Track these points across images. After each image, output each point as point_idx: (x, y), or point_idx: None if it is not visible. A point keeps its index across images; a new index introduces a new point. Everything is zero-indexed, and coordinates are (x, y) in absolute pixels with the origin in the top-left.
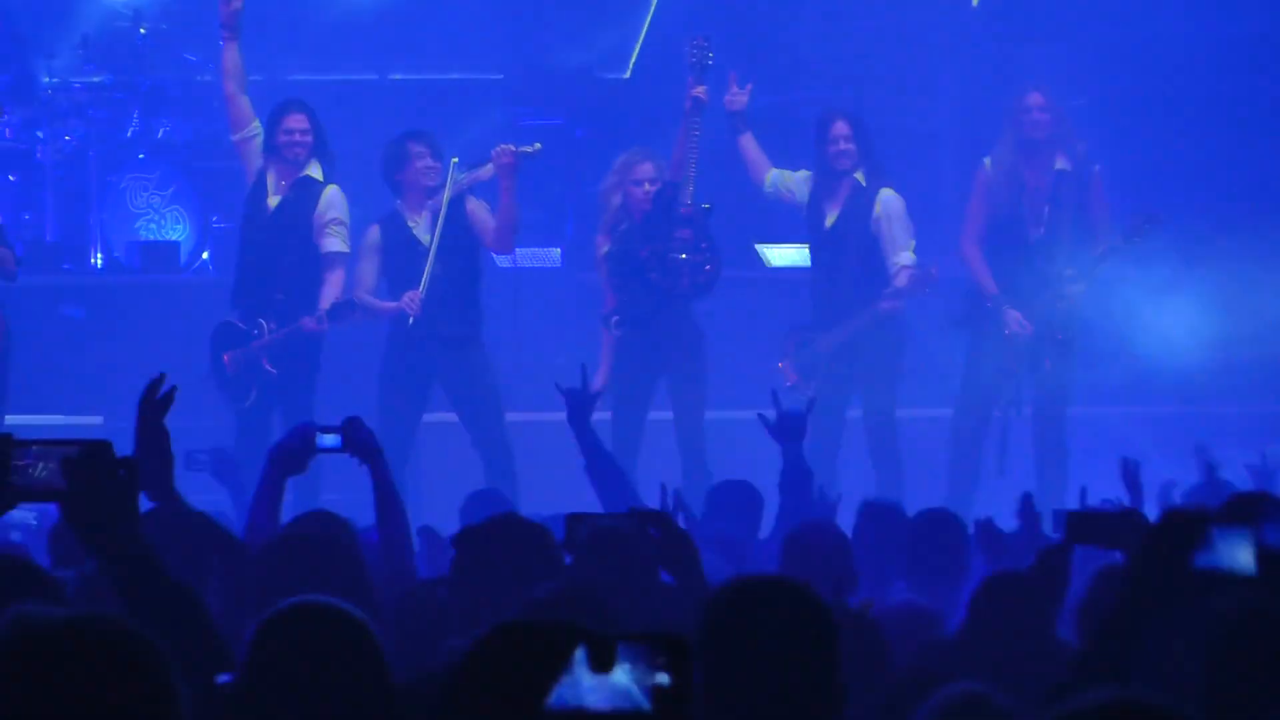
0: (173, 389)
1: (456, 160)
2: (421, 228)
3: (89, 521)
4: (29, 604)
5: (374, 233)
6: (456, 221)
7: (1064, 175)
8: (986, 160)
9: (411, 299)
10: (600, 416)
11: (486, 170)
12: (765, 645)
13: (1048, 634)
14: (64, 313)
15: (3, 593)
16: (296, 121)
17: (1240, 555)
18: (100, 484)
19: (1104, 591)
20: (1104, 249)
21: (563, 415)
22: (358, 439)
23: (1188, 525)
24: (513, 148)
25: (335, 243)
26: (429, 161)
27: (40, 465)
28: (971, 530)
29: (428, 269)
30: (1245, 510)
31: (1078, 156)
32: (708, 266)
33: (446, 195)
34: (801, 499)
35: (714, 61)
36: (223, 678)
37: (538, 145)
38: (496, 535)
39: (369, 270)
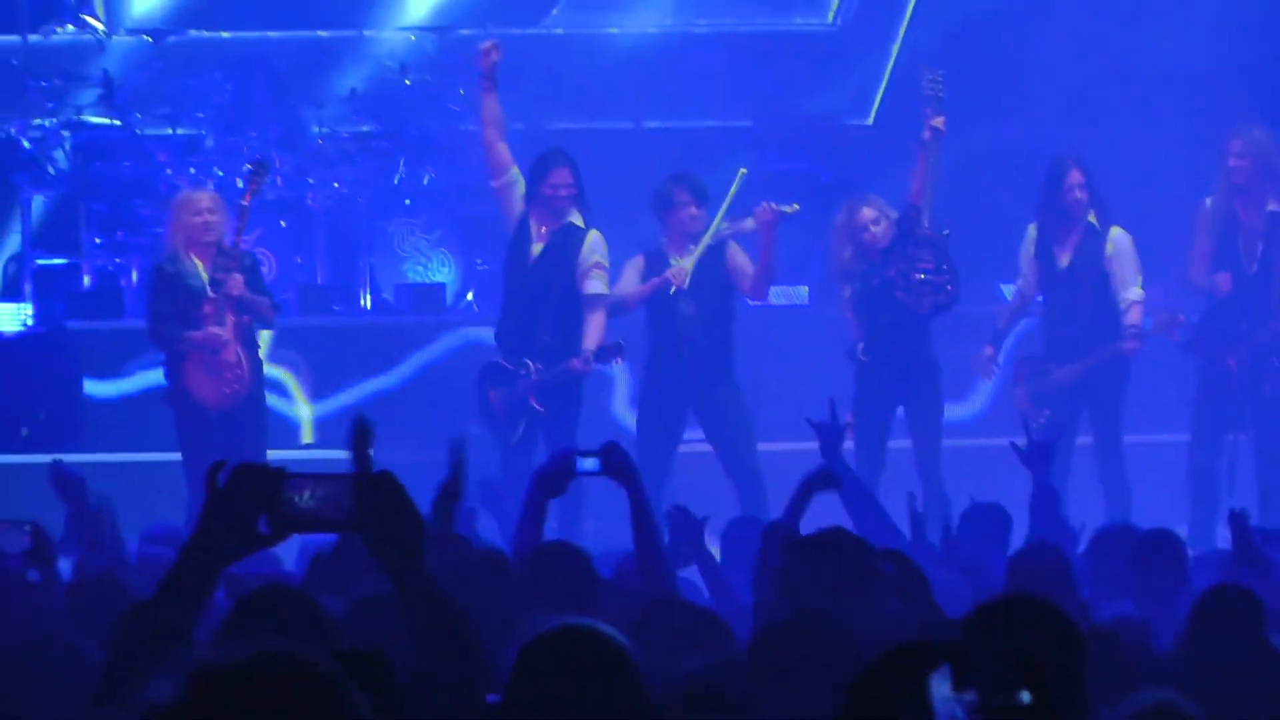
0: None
1: (744, 171)
2: (684, 267)
3: (386, 547)
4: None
5: (639, 260)
6: (715, 264)
7: (1276, 216)
8: (1207, 200)
9: (678, 272)
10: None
11: (749, 224)
12: (1016, 664)
13: (1267, 648)
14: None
15: (279, 621)
16: (561, 176)
17: None
18: (393, 511)
19: None
20: None
21: (811, 444)
22: (615, 462)
23: None
24: (774, 206)
25: (597, 285)
26: (693, 210)
27: (309, 495)
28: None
29: (671, 300)
30: None
31: None
32: (949, 287)
33: (706, 239)
34: (1050, 521)
35: (946, 95)
36: (492, 697)
37: (796, 206)
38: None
39: (629, 284)
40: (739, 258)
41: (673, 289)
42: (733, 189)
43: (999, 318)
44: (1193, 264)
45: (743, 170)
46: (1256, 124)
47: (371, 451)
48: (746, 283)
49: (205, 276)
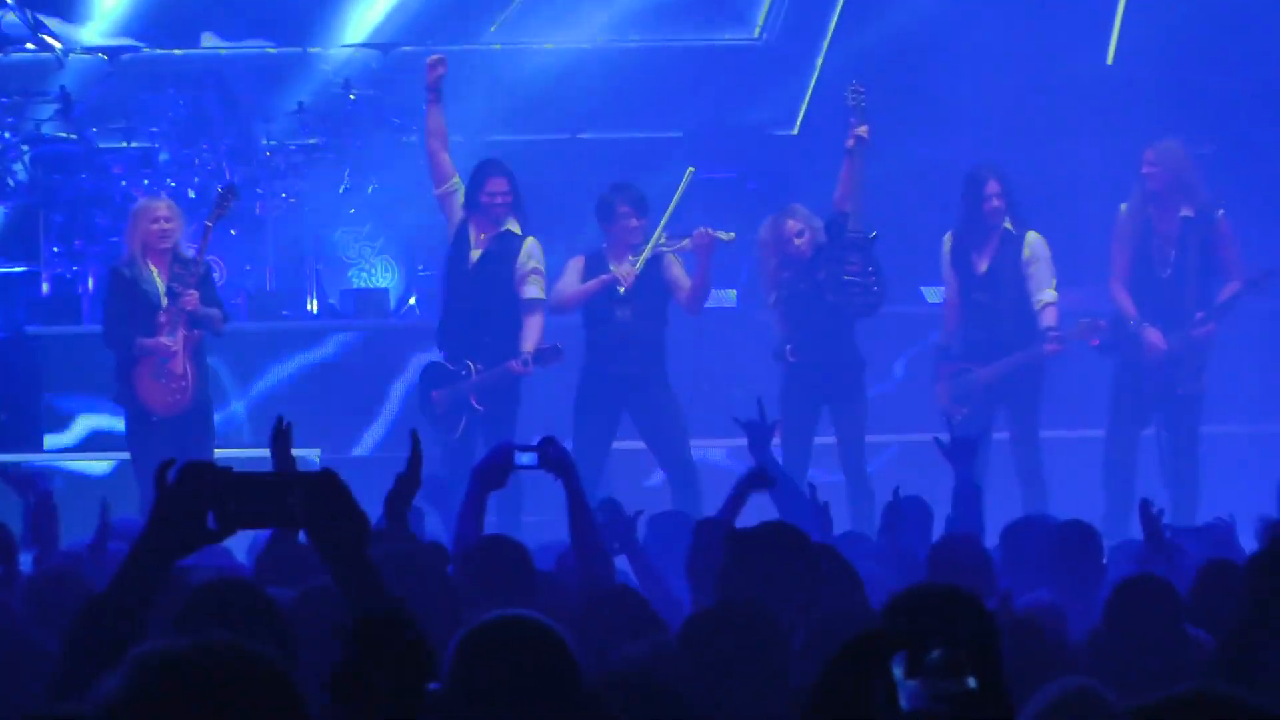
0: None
1: (693, 169)
2: (623, 275)
3: (329, 544)
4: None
5: (579, 261)
6: (652, 274)
7: (1188, 221)
8: (1122, 206)
9: (626, 271)
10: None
11: (686, 244)
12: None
13: (1182, 635)
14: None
15: (230, 613)
16: (497, 185)
17: None
18: (335, 509)
19: (1211, 589)
20: (1230, 295)
21: (740, 441)
22: (553, 456)
23: None
24: (711, 232)
25: (535, 290)
26: (634, 222)
27: (254, 493)
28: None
29: (608, 306)
30: None
31: (1201, 204)
32: (875, 288)
33: (647, 251)
34: (973, 514)
35: (868, 106)
36: (433, 686)
37: (733, 235)
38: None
39: (570, 283)
40: (675, 269)
41: (622, 289)
42: (680, 188)
43: (941, 338)
44: (1113, 270)
45: (691, 169)
46: (1169, 136)
47: (291, 450)
48: (682, 295)
49: (161, 285)
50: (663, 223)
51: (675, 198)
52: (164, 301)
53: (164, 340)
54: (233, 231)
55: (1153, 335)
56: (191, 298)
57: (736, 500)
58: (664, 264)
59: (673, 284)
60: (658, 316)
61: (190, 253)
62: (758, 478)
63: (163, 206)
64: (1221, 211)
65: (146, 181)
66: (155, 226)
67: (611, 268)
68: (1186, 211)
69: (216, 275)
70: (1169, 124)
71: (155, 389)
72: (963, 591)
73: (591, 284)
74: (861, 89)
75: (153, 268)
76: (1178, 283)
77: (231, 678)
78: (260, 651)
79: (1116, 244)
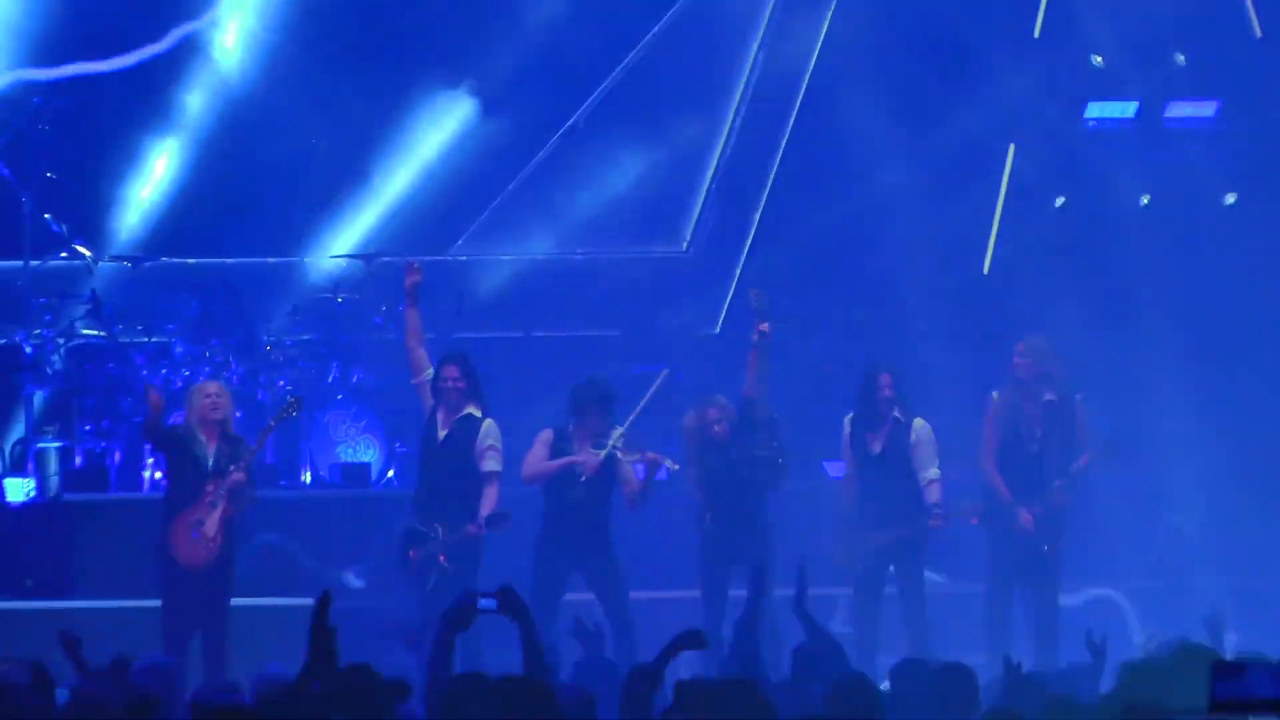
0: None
1: (621, 431)
2: (586, 464)
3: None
4: None
5: (548, 434)
6: (607, 469)
7: (1051, 405)
8: (994, 394)
9: (591, 461)
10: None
11: (636, 458)
12: None
13: None
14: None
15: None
16: (450, 371)
17: None
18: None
19: None
20: (1082, 464)
21: (670, 593)
22: (510, 602)
23: None
24: (662, 459)
25: (492, 464)
26: (596, 421)
27: None
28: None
29: (568, 484)
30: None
31: (1062, 390)
32: (780, 460)
33: (610, 447)
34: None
35: (769, 306)
36: None
37: (677, 467)
38: None
39: (540, 455)
40: (625, 468)
41: (582, 476)
42: (654, 387)
43: (841, 504)
44: (983, 451)
45: (665, 370)
46: (1035, 332)
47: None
48: (626, 491)
49: (210, 454)
50: (630, 420)
51: (645, 398)
52: (210, 465)
53: (201, 512)
54: (238, 414)
55: (1025, 516)
56: (239, 478)
57: (669, 653)
58: (617, 461)
59: (622, 481)
60: (605, 499)
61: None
62: (692, 637)
63: (212, 386)
64: (1079, 396)
65: (164, 371)
66: (207, 400)
67: (577, 451)
68: (1050, 396)
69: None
70: (1035, 322)
71: (186, 544)
72: None
73: (560, 463)
74: (762, 293)
75: (203, 438)
76: (1042, 456)
77: None
78: None
79: (989, 426)
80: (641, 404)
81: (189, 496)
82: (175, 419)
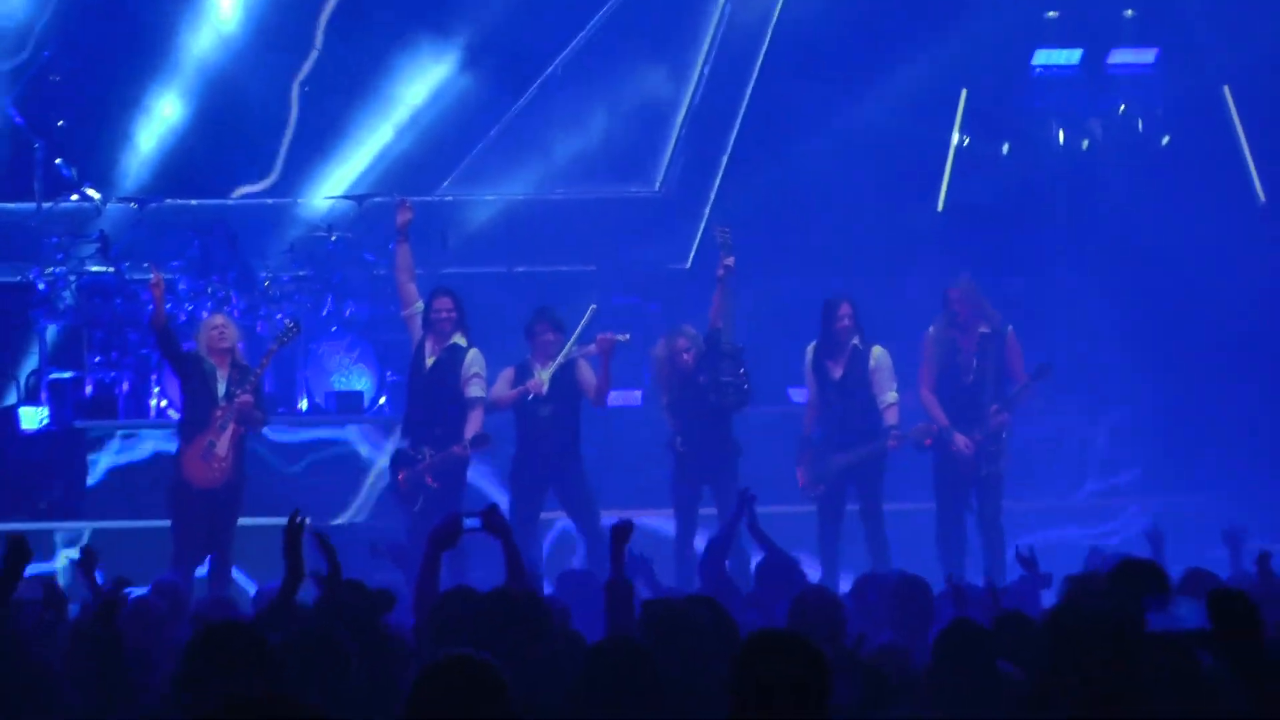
0: (304, 520)
1: (594, 307)
2: (543, 378)
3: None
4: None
5: (509, 372)
6: (568, 378)
7: (986, 336)
8: (930, 329)
9: (535, 384)
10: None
11: (592, 348)
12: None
13: (996, 670)
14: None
15: (231, 652)
16: (443, 303)
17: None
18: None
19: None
20: (1018, 389)
21: (643, 512)
22: (493, 521)
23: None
24: (612, 335)
25: (476, 390)
26: (550, 336)
27: None
28: (942, 589)
29: (533, 403)
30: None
31: (995, 322)
32: (745, 386)
33: (560, 358)
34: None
35: (733, 241)
36: None
37: (627, 336)
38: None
39: (500, 392)
40: (586, 373)
41: (530, 396)
42: (583, 320)
43: (804, 428)
44: (922, 382)
45: (593, 306)
46: (965, 273)
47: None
48: (591, 392)
49: (222, 380)
50: (571, 341)
51: (579, 328)
52: (221, 393)
53: (214, 433)
54: (240, 346)
55: (960, 440)
56: (246, 400)
57: (618, 553)
58: (576, 369)
59: (583, 384)
60: (572, 412)
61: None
62: (622, 530)
63: (218, 318)
64: (1010, 327)
65: (168, 305)
66: (214, 331)
67: (535, 372)
68: (984, 329)
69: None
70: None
71: (198, 466)
72: (797, 637)
73: (513, 393)
74: (727, 229)
75: (214, 366)
76: (978, 386)
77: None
78: (313, 708)
79: (926, 359)
80: (576, 332)
81: (201, 422)
82: (188, 347)
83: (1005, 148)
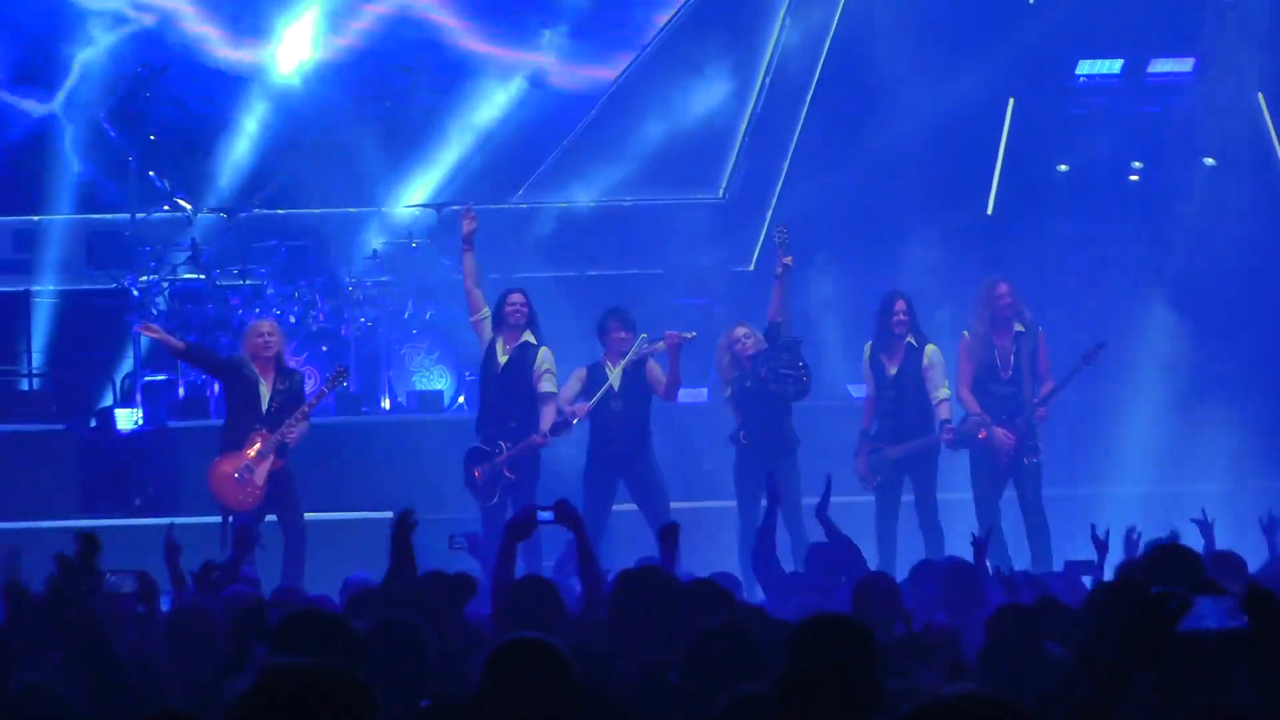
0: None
1: (645, 335)
2: (614, 375)
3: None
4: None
5: (582, 371)
6: (638, 375)
7: (1021, 335)
8: (965, 333)
9: (577, 410)
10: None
11: (660, 346)
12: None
13: (1043, 652)
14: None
15: (317, 636)
16: (516, 298)
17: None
18: None
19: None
20: (1056, 385)
21: (709, 502)
22: (566, 513)
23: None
24: (679, 334)
25: (548, 386)
26: (621, 334)
27: None
28: (990, 574)
29: (606, 399)
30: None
31: (1028, 322)
32: (804, 379)
33: (630, 356)
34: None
35: (791, 241)
36: (424, 701)
37: (694, 334)
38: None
39: (572, 391)
40: (655, 371)
41: (575, 420)
42: (632, 350)
43: (863, 422)
44: (960, 380)
45: (643, 335)
46: (1002, 275)
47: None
48: (661, 389)
49: (267, 388)
50: (636, 345)
51: (633, 349)
52: (264, 401)
53: (248, 454)
54: (324, 348)
55: (1000, 433)
56: (293, 433)
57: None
58: (646, 368)
59: (653, 382)
60: (644, 408)
61: (292, 365)
62: (670, 530)
63: (265, 325)
64: (1041, 328)
65: (258, 310)
66: (260, 339)
67: (607, 370)
68: (1019, 327)
69: (309, 382)
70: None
71: (230, 485)
72: (850, 619)
73: (585, 407)
74: (784, 229)
75: (259, 375)
76: (1015, 383)
77: (337, 692)
78: (354, 675)
79: (964, 359)
80: (635, 346)
81: (240, 435)
82: (229, 353)
83: (1062, 168)
